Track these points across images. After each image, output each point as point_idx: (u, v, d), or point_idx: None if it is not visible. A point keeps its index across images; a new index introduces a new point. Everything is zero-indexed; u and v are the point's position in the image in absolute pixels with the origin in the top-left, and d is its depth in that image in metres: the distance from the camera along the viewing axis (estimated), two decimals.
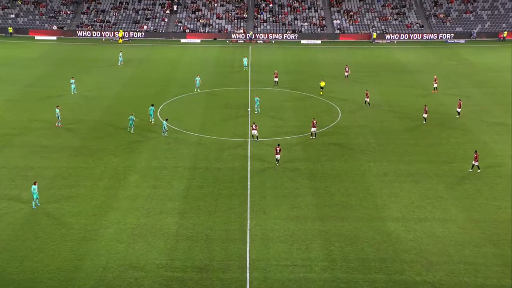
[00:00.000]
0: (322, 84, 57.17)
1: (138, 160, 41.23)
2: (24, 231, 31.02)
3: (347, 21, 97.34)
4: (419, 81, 65.83)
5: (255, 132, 44.50)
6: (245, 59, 70.73)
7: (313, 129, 45.75)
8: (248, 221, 32.60)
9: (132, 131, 46.32)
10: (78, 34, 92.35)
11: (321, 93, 56.79)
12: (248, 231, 31.51)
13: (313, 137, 45.72)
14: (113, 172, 39.08)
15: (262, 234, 31.23)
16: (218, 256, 29.09)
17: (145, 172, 39.06)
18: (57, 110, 47.98)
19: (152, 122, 48.60)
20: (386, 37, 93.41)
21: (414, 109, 53.92)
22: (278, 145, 41.53)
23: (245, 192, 36.32)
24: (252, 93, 59.49)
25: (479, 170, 39.45)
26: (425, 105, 51.05)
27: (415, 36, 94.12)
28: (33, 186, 33.36)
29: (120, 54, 73.66)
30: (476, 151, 40.00)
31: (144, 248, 29.60)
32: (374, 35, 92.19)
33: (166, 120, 46.57)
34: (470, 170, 39.63)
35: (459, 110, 51.34)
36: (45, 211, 33.25)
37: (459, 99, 52.69)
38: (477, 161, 39.14)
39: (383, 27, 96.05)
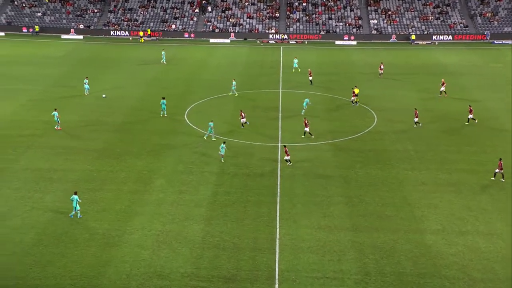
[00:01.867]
0: (357, 91, 56.56)
1: (163, 164, 41.71)
2: (47, 235, 31.72)
3: (385, 21, 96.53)
4: (462, 84, 64.74)
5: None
6: (295, 60, 70.86)
7: (306, 129, 46.73)
8: (278, 230, 32.57)
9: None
10: (105, 33, 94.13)
11: (356, 100, 56.13)
12: (277, 240, 31.48)
13: (304, 137, 46.81)
14: (138, 176, 39.63)
15: (292, 244, 31.15)
16: (245, 266, 29.14)
17: (171, 177, 39.48)
18: (55, 113, 48.31)
19: (165, 115, 51.31)
20: (427, 38, 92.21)
21: (456, 114, 53.01)
22: (285, 146, 42.05)
23: (275, 200, 36.32)
24: (284, 95, 59.53)
25: (502, 180, 38.86)
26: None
27: (458, 37, 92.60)
28: (73, 196, 33.49)
29: (163, 53, 74.61)
30: (500, 159, 39.34)
31: (169, 256, 29.90)
32: (413, 36, 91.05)
33: (212, 121, 47.03)
34: (493, 178, 39.17)
35: (470, 116, 50.50)
36: (68, 215, 33.90)
37: (470, 105, 51.71)
38: (502, 169, 38.68)
39: (423, 27, 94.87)
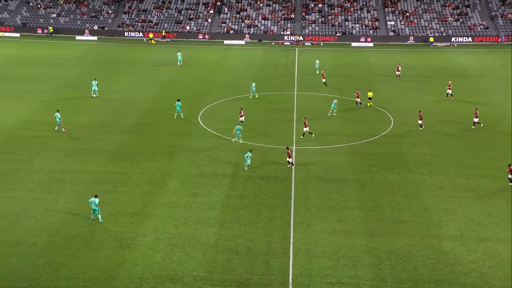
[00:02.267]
0: (370, 94, 56.49)
1: (177, 166, 41.88)
2: (60, 237, 32.00)
3: (402, 23, 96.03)
4: (480, 87, 64.17)
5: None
6: (317, 61, 70.90)
7: (305, 129, 46.86)
8: (292, 234, 32.51)
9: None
10: (119, 34, 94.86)
11: (369, 104, 56.10)
12: (291, 245, 31.43)
13: (303, 138, 46.93)
14: (151, 178, 39.84)
15: (306, 248, 31.08)
16: (259, 270, 29.12)
17: (184, 179, 39.62)
18: (58, 114, 48.43)
19: (181, 117, 51.56)
20: (446, 40, 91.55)
21: (474, 117, 52.45)
22: (287, 148, 41.97)
23: (289, 203, 36.27)
24: (299, 97, 59.49)
25: (510, 184, 38.61)
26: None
27: (478, 39, 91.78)
28: (93, 198, 33.55)
29: (179, 54, 75.05)
30: (509, 165, 39.02)
31: (181, 259, 29.99)
32: (431, 38, 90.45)
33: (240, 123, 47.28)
34: (510, 184, 38.76)
35: (475, 120, 50.11)
36: (81, 217, 34.19)
37: (476, 108, 51.16)
38: None
39: (442, 29, 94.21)
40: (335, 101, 53.92)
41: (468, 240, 31.99)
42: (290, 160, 41.38)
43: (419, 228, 33.38)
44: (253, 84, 59.52)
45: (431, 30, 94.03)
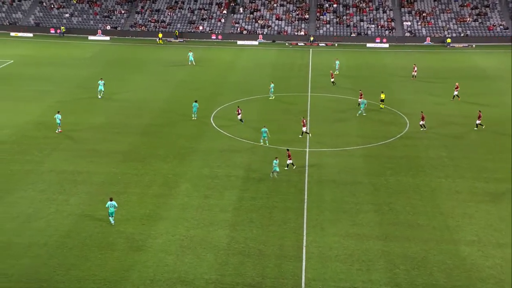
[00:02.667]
0: (383, 96, 56.27)
1: (189, 167, 42.01)
2: (71, 238, 32.24)
3: (419, 23, 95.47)
4: (499, 89, 63.56)
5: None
6: (337, 62, 70.90)
7: (303, 129, 47.59)
8: (305, 237, 32.45)
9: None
10: (132, 34, 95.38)
11: (381, 106, 55.87)
12: (304, 248, 31.37)
13: (301, 136, 47.51)
14: (163, 179, 40.00)
15: (319, 252, 31.00)
16: (271, 274, 29.10)
17: (196, 181, 39.73)
18: (59, 115, 48.51)
19: (194, 118, 51.92)
20: (464, 41, 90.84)
21: (494, 120, 52.00)
22: (288, 149, 41.84)
23: (302, 206, 36.20)
24: (312, 99, 59.37)
25: None
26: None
27: (498, 39, 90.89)
28: (109, 202, 33.59)
29: (190, 54, 75.36)
30: None
31: (193, 261, 30.06)
32: (449, 40, 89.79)
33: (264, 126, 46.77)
34: None
35: (478, 122, 49.75)
36: (92, 218, 34.45)
37: (479, 110, 50.72)
38: None
39: (460, 29, 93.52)
40: (364, 101, 53.84)
41: (486, 246, 31.67)
42: (290, 161, 41.20)
43: (435, 232, 33.13)
44: (272, 85, 59.45)
45: (449, 31, 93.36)
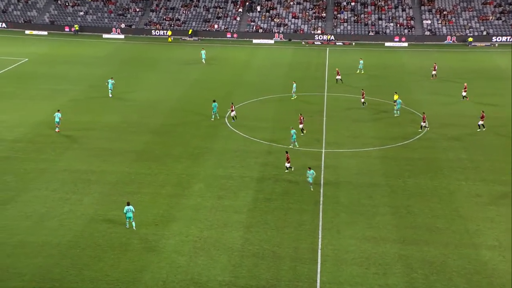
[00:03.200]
0: (396, 97, 55.95)
1: (203, 168, 42.14)
2: (84, 238, 32.52)
3: (439, 21, 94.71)
4: None
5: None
6: (361, 61, 70.90)
7: (301, 126, 48.08)
8: (320, 240, 32.38)
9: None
10: (146, 33, 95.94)
11: (394, 108, 55.52)
12: (319, 251, 31.30)
13: (302, 133, 48.19)
14: (177, 179, 40.17)
15: (335, 255, 30.91)
16: (285, 277, 29.08)
17: (210, 181, 39.84)
18: (58, 114, 48.59)
19: (212, 119, 51.77)
20: (486, 40, 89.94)
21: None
22: (287, 152, 41.64)
23: (317, 208, 36.12)
24: (329, 99, 59.21)
25: None
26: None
27: None
28: (126, 206, 33.13)
29: (203, 52, 75.66)
30: None
31: (206, 263, 30.15)
32: (470, 39, 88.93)
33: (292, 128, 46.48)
34: None
35: (481, 123, 49.38)
36: (105, 218, 34.71)
37: (482, 111, 50.15)
38: None
39: (482, 28, 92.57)
40: (399, 101, 53.86)
41: (507, 250, 31.32)
42: (288, 165, 40.86)
43: (454, 236, 32.85)
44: (294, 84, 59.40)
45: (470, 29, 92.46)
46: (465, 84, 59.57)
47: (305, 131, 48.35)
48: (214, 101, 52.68)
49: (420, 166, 42.59)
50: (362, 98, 56.97)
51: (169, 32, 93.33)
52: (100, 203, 36.62)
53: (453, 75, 69.64)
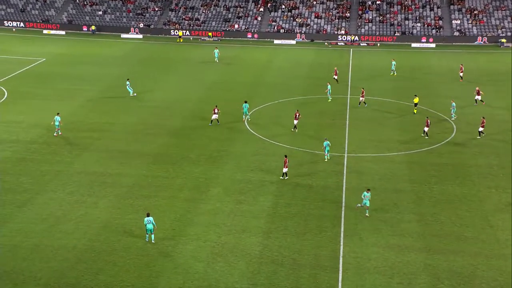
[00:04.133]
0: (416, 100, 55.43)
1: (221, 171, 42.24)
2: (100, 242, 32.81)
3: (470, 21, 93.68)
4: None
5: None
6: (393, 62, 70.66)
7: (295, 121, 49.46)
8: (341, 247, 32.21)
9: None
10: (165, 33, 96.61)
11: (414, 111, 55.05)
12: (340, 258, 31.13)
13: (296, 130, 49.25)
14: (194, 183, 40.33)
15: (357, 263, 30.71)
16: (305, 285, 28.97)
17: (228, 185, 39.92)
18: (58, 118, 48.60)
19: (244, 120, 52.44)
20: None
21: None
22: (286, 156, 41.19)
23: (339, 214, 35.95)
24: (352, 101, 58.92)
25: None
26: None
27: None
28: (146, 218, 32.32)
29: (216, 51, 76.11)
30: None
31: (224, 269, 30.18)
32: (503, 39, 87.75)
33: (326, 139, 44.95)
34: None
35: (481, 129, 48.61)
36: (121, 222, 34.98)
37: (483, 117, 49.36)
38: None
39: None
40: (453, 103, 53.60)
41: None
42: (285, 170, 40.48)
43: (483, 246, 32.41)
44: (329, 86, 59.26)
45: (503, 30, 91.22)
46: (477, 88, 58.76)
47: (297, 130, 49.18)
48: (245, 101, 53.00)
49: (448, 172, 42.15)
50: (361, 97, 56.50)
51: (180, 33, 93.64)
52: (116, 206, 36.93)
53: (484, 77, 68.69)
